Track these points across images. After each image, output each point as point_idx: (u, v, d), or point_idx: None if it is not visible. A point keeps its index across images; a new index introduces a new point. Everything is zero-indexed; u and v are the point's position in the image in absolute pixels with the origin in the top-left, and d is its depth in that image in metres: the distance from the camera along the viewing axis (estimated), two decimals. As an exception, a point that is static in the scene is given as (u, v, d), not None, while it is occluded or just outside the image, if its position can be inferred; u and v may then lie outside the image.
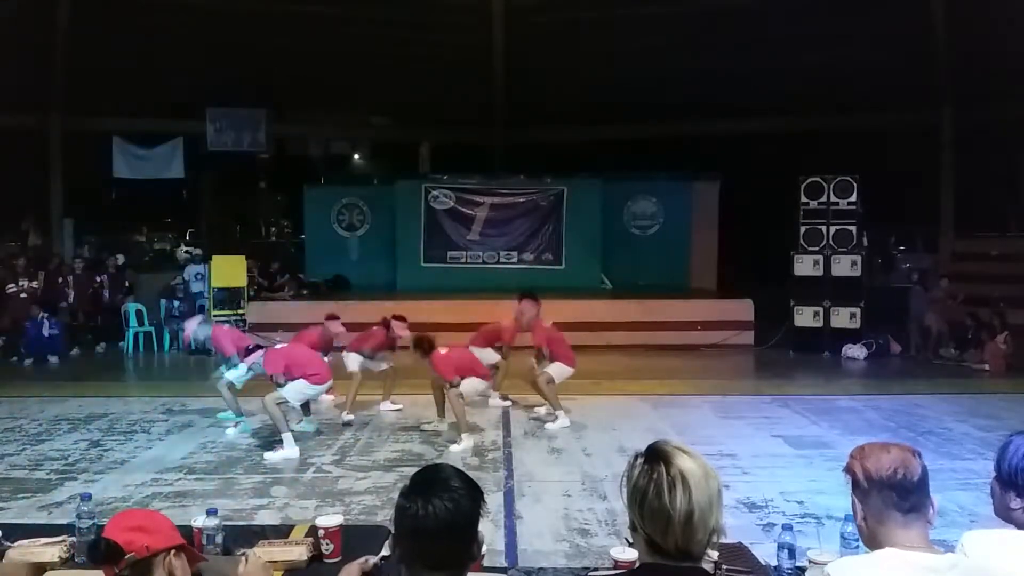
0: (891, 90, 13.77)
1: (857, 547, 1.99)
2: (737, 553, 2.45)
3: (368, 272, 15.54)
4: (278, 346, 6.96)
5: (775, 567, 2.40)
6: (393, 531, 1.65)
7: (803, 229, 12.07)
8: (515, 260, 15.40)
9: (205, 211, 19.84)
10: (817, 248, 11.97)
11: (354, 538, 2.61)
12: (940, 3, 13.14)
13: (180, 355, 12.05)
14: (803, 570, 2.35)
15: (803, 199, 12.07)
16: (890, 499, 1.71)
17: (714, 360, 11.44)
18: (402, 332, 7.74)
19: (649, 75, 14.54)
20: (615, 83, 15.06)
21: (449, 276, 14.99)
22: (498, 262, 15.41)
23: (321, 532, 2.56)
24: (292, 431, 6.45)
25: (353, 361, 7.71)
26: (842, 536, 2.30)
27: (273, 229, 23.12)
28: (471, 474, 1.74)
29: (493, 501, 5.05)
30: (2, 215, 14.34)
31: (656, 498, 1.49)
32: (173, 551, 1.82)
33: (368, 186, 16.95)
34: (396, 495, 1.64)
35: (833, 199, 11.93)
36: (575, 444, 6.76)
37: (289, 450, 6.25)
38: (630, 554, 2.11)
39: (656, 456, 1.54)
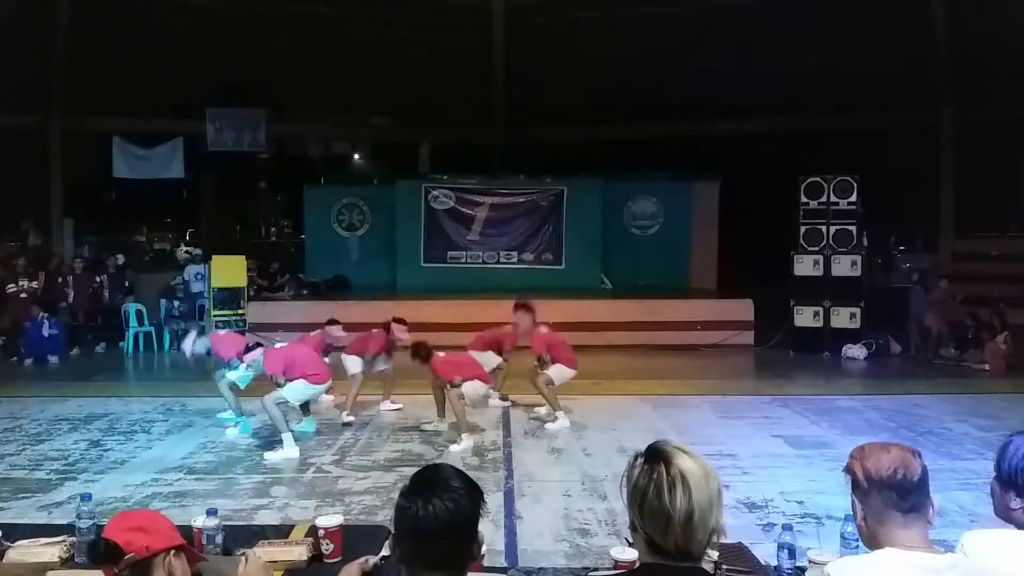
0: (891, 90, 13.77)
1: (857, 547, 1.99)
2: (737, 553, 2.45)
3: (368, 272, 15.54)
4: (278, 345, 6.96)
5: (775, 567, 2.40)
6: (393, 531, 1.65)
7: (803, 229, 12.07)
8: (515, 260, 15.40)
9: (205, 211, 19.85)
10: (817, 248, 11.97)
11: (354, 538, 2.61)
12: (940, 3, 13.14)
13: (180, 355, 12.02)
14: (803, 570, 2.35)
15: (803, 199, 12.07)
16: (890, 499, 1.71)
17: (714, 360, 11.44)
18: (402, 335, 7.75)
19: (649, 75, 14.54)
20: (615, 83, 15.06)
21: (449, 276, 14.99)
22: (498, 262, 15.41)
23: (321, 532, 2.56)
24: (292, 431, 6.45)
25: (353, 363, 7.71)
26: (842, 536, 2.30)
27: (273, 229, 23.13)
28: (471, 474, 1.74)
29: (493, 501, 5.05)
30: (2, 215, 14.35)
31: (656, 498, 1.49)
32: (173, 551, 1.82)
33: (368, 186, 16.96)
34: (396, 495, 1.64)
35: (833, 199, 11.93)
36: (575, 444, 6.76)
37: (289, 450, 6.25)
38: (630, 554, 2.11)
39: (656, 456, 1.54)
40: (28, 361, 11.14)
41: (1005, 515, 1.90)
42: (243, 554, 2.13)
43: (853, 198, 11.87)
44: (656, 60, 14.45)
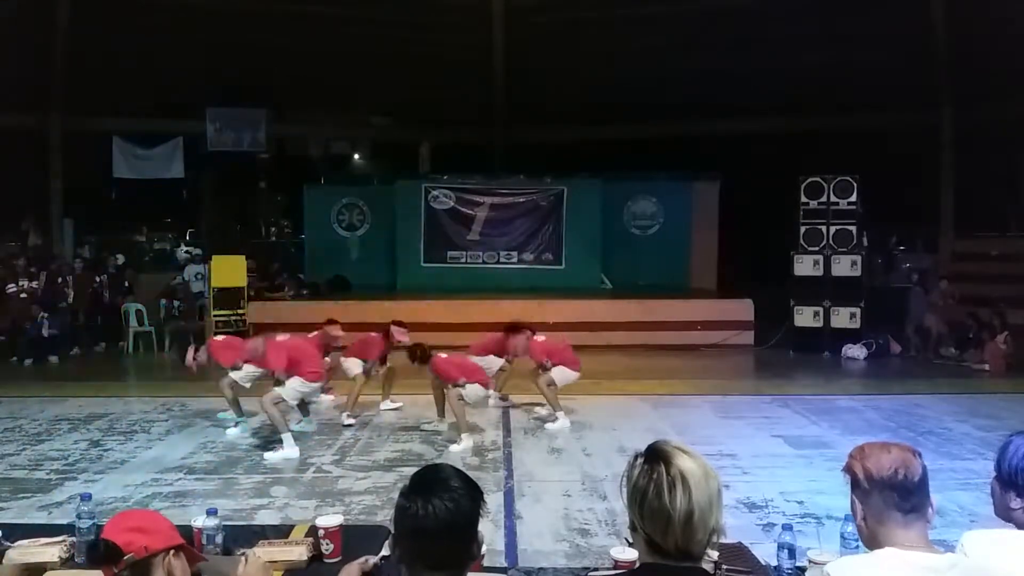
0: (891, 90, 13.77)
1: (857, 547, 1.99)
2: (737, 553, 2.44)
3: (368, 272, 15.54)
4: (279, 338, 6.95)
5: (775, 567, 2.40)
6: (393, 531, 1.65)
7: (803, 229, 12.07)
8: (515, 260, 15.41)
9: (205, 211, 19.83)
10: (817, 248, 11.97)
11: (354, 538, 2.61)
12: (940, 3, 13.14)
13: (181, 363, 12.02)
14: (803, 570, 2.35)
15: (803, 199, 12.07)
16: (891, 499, 1.71)
17: (714, 360, 11.44)
18: (402, 338, 7.75)
19: (649, 75, 14.55)
20: (615, 83, 15.06)
21: (449, 276, 15.00)
22: (498, 262, 15.41)
23: (321, 532, 2.56)
24: (291, 431, 6.45)
25: (354, 365, 7.70)
26: (842, 536, 2.30)
27: (273, 229, 23.08)
28: (471, 474, 1.74)
29: (493, 501, 5.05)
30: (2, 215, 14.34)
31: (656, 498, 1.49)
32: (172, 551, 1.82)
33: (368, 186, 16.94)
34: (396, 495, 1.64)
35: (833, 199, 11.93)
36: (575, 444, 6.76)
37: (289, 450, 6.25)
38: (630, 554, 2.11)
39: (656, 456, 1.54)
40: (28, 361, 11.14)
41: (1005, 515, 1.90)
42: (243, 554, 2.13)
43: (853, 198, 11.87)
44: (656, 60, 14.45)
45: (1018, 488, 1.85)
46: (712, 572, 2.03)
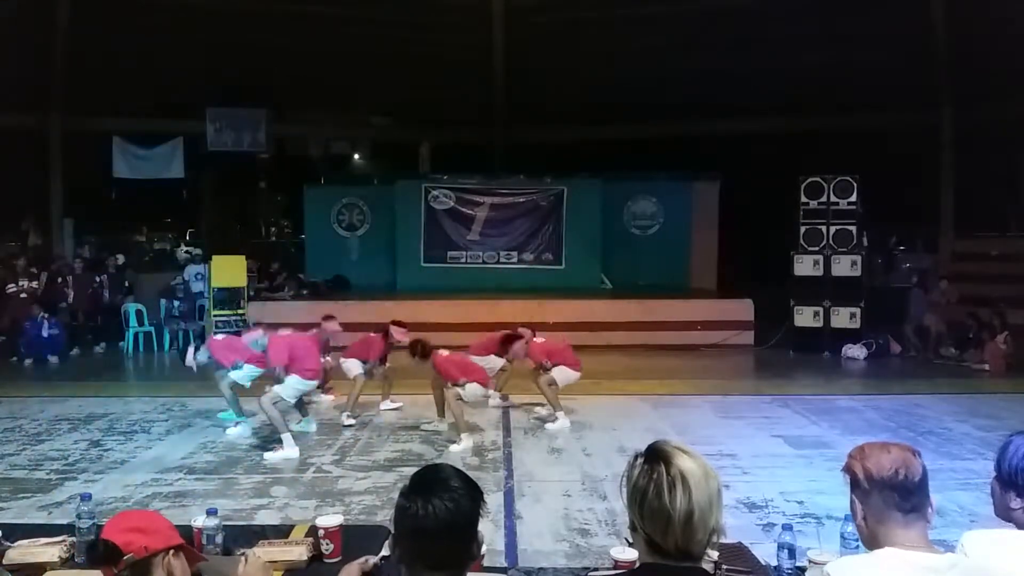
0: (891, 90, 13.77)
1: (857, 547, 1.99)
2: (737, 553, 2.44)
3: (368, 272, 15.54)
4: (281, 332, 6.96)
5: (775, 567, 2.40)
6: (393, 531, 1.65)
7: (803, 229, 12.07)
8: (515, 260, 15.40)
9: (205, 211, 19.85)
10: (817, 248, 11.97)
11: (354, 538, 2.61)
12: (940, 3, 13.14)
13: (180, 355, 12.04)
14: (803, 570, 2.35)
15: (803, 199, 12.07)
16: (891, 499, 1.71)
17: (714, 360, 11.44)
18: (401, 337, 7.74)
19: (649, 75, 14.54)
20: (615, 83, 15.06)
21: (449, 276, 14.99)
22: (498, 262, 15.41)
23: (321, 532, 2.56)
24: (291, 431, 6.45)
25: (354, 366, 7.70)
26: (842, 536, 2.30)
27: (273, 229, 23.12)
28: (471, 474, 1.74)
29: (493, 501, 5.05)
30: (2, 215, 14.35)
31: (656, 498, 1.49)
32: (172, 551, 1.82)
33: (368, 186, 16.94)
34: (396, 495, 1.64)
35: (833, 199, 11.93)
36: (575, 444, 6.76)
37: (289, 450, 6.25)
38: (630, 554, 2.11)
39: (656, 456, 1.54)
40: (28, 361, 11.14)
41: (1005, 515, 1.90)
42: (243, 554, 2.13)
43: (853, 198, 11.87)
44: (656, 60, 14.45)
45: (1018, 488, 1.85)
46: (712, 572, 2.03)
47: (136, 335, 12.39)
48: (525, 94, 15.85)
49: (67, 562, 2.44)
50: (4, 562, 2.42)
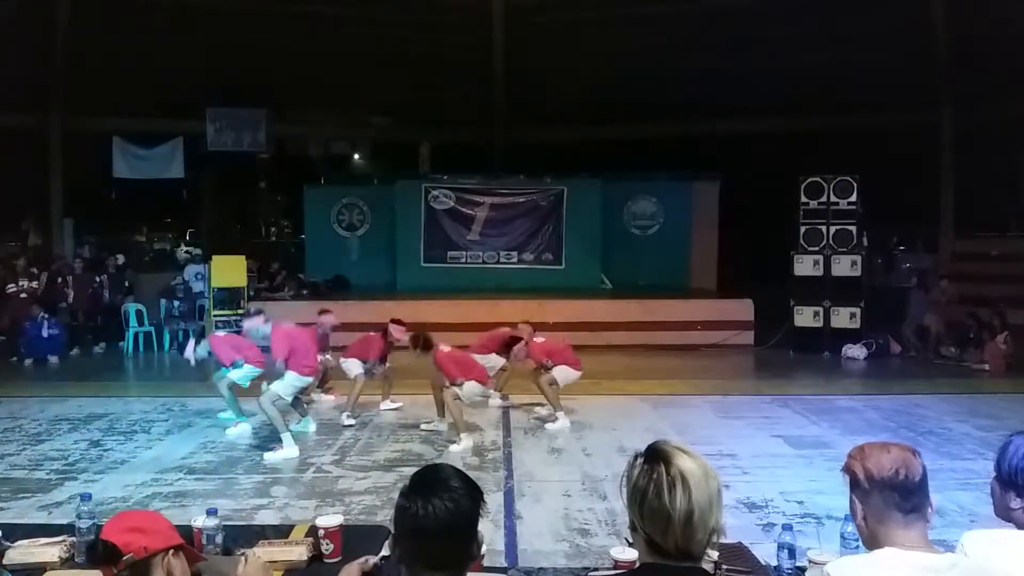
0: (891, 90, 13.77)
1: (857, 547, 1.99)
2: (737, 553, 2.44)
3: (368, 272, 15.54)
4: (284, 324, 6.97)
5: (775, 567, 2.40)
6: (393, 531, 1.65)
7: (803, 229, 12.07)
8: (515, 260, 15.41)
9: (205, 211, 19.84)
10: (817, 248, 11.97)
11: (354, 538, 2.61)
12: (940, 3, 13.14)
13: (180, 356, 12.05)
14: (803, 570, 2.35)
15: (803, 199, 12.07)
16: (892, 499, 1.71)
17: (714, 360, 11.44)
18: (400, 335, 7.74)
19: (649, 75, 14.54)
20: (615, 83, 15.06)
21: (449, 276, 14.99)
22: (498, 262, 15.41)
23: (321, 532, 2.56)
24: (290, 431, 6.45)
25: (354, 366, 7.70)
26: (842, 536, 2.30)
27: (273, 229, 23.13)
28: (471, 474, 1.74)
29: (493, 501, 5.05)
30: (2, 215, 14.35)
31: (656, 498, 1.49)
32: (172, 551, 1.82)
33: (368, 186, 16.95)
34: (396, 495, 1.64)
35: (833, 199, 11.93)
36: (575, 444, 6.76)
37: (288, 449, 6.25)
38: (630, 554, 2.11)
39: (656, 456, 1.54)
40: (28, 361, 11.14)
41: (1005, 515, 1.90)
42: (243, 554, 2.13)
43: (853, 198, 11.87)
44: (656, 60, 14.44)
45: (1018, 488, 1.85)
46: (712, 572, 2.03)
47: (136, 335, 12.39)
48: (525, 94, 15.85)
49: (67, 562, 2.44)
50: (4, 562, 2.42)
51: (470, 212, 15.41)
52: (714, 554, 2.10)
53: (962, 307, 11.67)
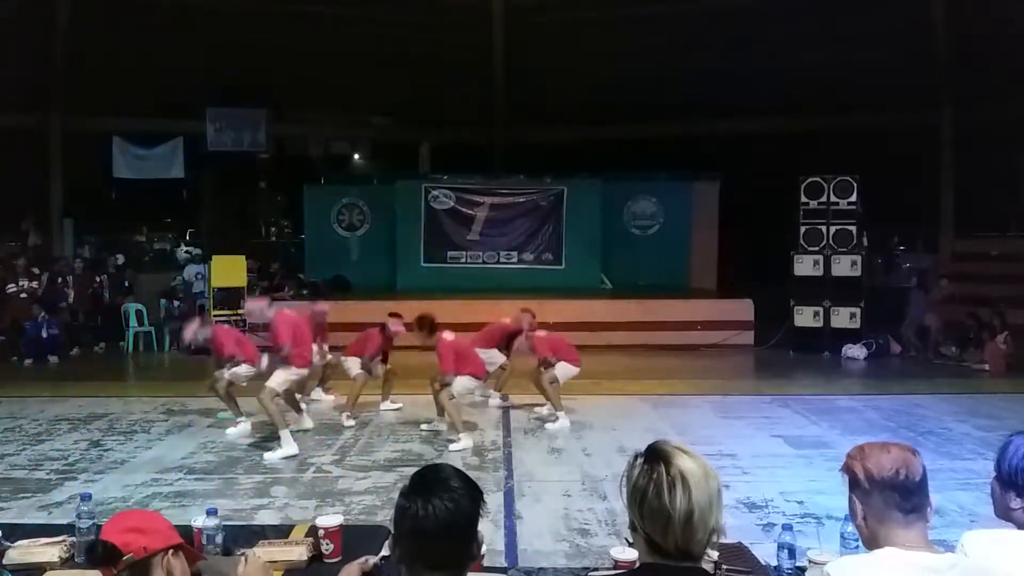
0: (891, 90, 13.77)
1: (857, 547, 1.99)
2: (737, 553, 2.44)
3: (368, 272, 15.54)
4: (288, 311, 6.98)
5: (775, 567, 2.40)
6: (393, 531, 1.65)
7: (803, 229, 12.08)
8: (515, 260, 15.41)
9: (205, 211, 19.84)
10: (817, 248, 11.98)
11: (354, 538, 2.60)
12: (940, 3, 13.14)
13: (180, 355, 12.06)
14: (803, 570, 2.35)
15: (803, 199, 12.08)
16: (892, 500, 1.70)
17: (714, 360, 11.44)
18: (398, 328, 7.74)
19: (649, 75, 14.55)
20: (615, 83, 15.06)
21: (449, 276, 15.00)
22: (498, 262, 15.42)
23: (321, 532, 2.56)
24: (289, 429, 6.46)
25: (354, 365, 7.70)
26: (842, 536, 2.30)
27: (273, 229, 23.10)
28: (471, 474, 1.74)
29: (493, 501, 5.05)
30: (2, 215, 14.34)
31: (656, 498, 1.49)
32: (171, 551, 1.81)
33: (368, 186, 16.95)
34: (396, 495, 1.64)
35: (833, 199, 11.94)
36: (575, 444, 6.76)
37: (288, 447, 6.25)
38: (630, 554, 2.11)
39: (656, 456, 1.54)
40: (28, 361, 11.14)
41: (1005, 515, 1.89)
42: (243, 554, 2.13)
43: (853, 198, 11.88)
44: (656, 60, 14.45)
45: (1018, 488, 1.85)
46: (712, 572, 2.03)
47: (136, 335, 12.40)
48: (525, 94, 15.85)
49: (67, 562, 2.44)
50: (4, 562, 2.42)
51: (470, 212, 15.42)
52: (714, 554, 2.10)
53: (962, 307, 11.67)
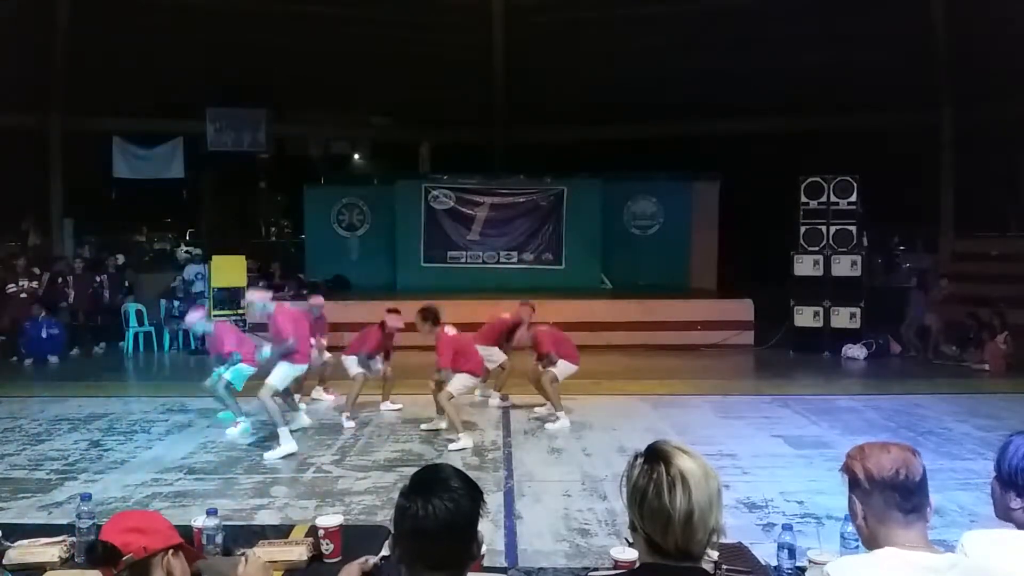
0: (891, 90, 13.77)
1: (857, 547, 1.99)
2: (737, 553, 2.44)
3: (368, 272, 15.54)
4: (289, 305, 6.98)
5: (775, 567, 2.40)
6: (393, 531, 1.65)
7: (803, 229, 12.08)
8: (515, 260, 15.41)
9: (205, 211, 19.84)
10: (817, 248, 11.97)
11: (354, 538, 2.60)
12: (940, 3, 13.14)
13: (180, 355, 12.07)
14: (803, 570, 2.35)
15: (803, 199, 12.07)
16: (892, 500, 1.70)
17: (714, 360, 11.44)
18: (397, 324, 7.73)
19: (649, 75, 14.54)
20: (615, 83, 15.06)
21: (449, 276, 14.99)
22: (498, 262, 15.42)
23: (321, 532, 2.56)
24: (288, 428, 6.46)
25: (353, 364, 7.70)
26: (842, 536, 2.30)
27: (273, 229, 23.12)
28: (471, 474, 1.74)
29: (493, 501, 5.06)
30: (2, 215, 14.34)
31: (656, 498, 1.49)
32: (171, 551, 1.81)
33: (368, 186, 16.96)
34: (396, 495, 1.64)
35: (833, 199, 11.94)
36: (575, 444, 6.76)
37: (287, 445, 6.26)
38: (630, 554, 2.11)
39: (656, 456, 1.54)
40: (28, 361, 11.14)
41: (1005, 515, 1.89)
42: (243, 554, 2.13)
43: (853, 198, 11.88)
44: (656, 60, 14.44)
45: (1018, 488, 1.85)
46: (712, 572, 2.03)
47: (136, 335, 12.40)
48: (525, 94, 15.85)
49: (67, 562, 2.44)
50: (4, 562, 2.42)
51: (470, 212, 15.42)
52: (714, 554, 2.10)
53: (962, 307, 11.67)
